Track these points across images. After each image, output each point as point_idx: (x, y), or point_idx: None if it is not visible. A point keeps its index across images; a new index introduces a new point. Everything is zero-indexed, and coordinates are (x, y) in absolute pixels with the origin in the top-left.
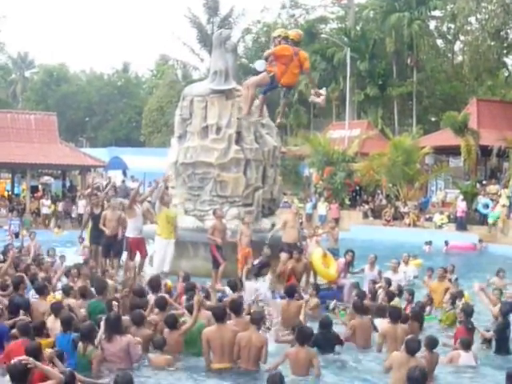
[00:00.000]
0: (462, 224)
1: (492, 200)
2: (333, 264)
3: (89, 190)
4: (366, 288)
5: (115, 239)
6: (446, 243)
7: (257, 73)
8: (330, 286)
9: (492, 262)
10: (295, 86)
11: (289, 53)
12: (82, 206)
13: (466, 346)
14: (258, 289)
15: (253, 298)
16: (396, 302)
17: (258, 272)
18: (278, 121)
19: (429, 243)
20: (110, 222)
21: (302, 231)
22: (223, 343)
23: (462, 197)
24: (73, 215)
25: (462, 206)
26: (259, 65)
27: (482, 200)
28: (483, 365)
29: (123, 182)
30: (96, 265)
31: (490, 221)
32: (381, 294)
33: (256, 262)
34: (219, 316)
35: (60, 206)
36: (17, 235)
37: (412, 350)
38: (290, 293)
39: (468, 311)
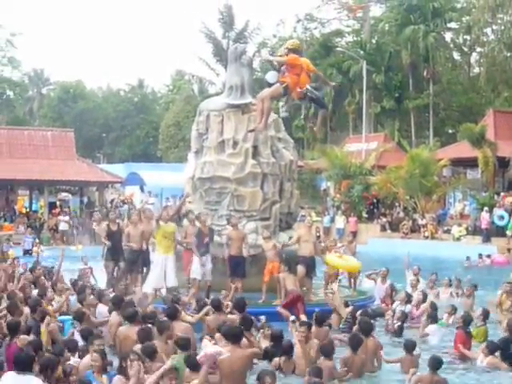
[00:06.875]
0: (487, 236)
1: (506, 211)
2: (351, 259)
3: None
4: (378, 301)
5: (138, 255)
6: (489, 256)
7: (269, 84)
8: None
9: None
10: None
11: (299, 62)
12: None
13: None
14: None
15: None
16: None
17: None
18: (315, 129)
19: (468, 258)
20: (134, 238)
21: (320, 244)
22: None
23: (486, 208)
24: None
25: (486, 217)
26: (271, 76)
27: (497, 212)
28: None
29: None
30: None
31: (509, 233)
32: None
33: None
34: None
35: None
36: (26, 252)
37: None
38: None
39: (467, 319)
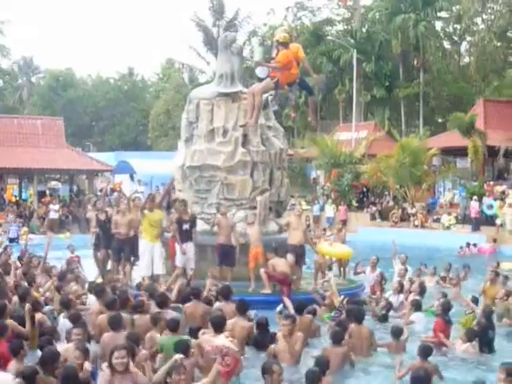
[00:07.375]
0: (476, 225)
1: (495, 200)
2: (342, 246)
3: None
4: (367, 289)
5: (125, 243)
6: (475, 245)
7: (260, 79)
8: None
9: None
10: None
11: (290, 58)
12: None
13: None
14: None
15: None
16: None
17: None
18: (310, 119)
19: (461, 247)
20: (121, 227)
21: (310, 233)
22: None
23: (475, 197)
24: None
25: (475, 206)
26: (261, 71)
27: (486, 201)
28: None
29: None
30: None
31: (498, 221)
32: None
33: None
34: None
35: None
36: (11, 240)
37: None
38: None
39: (446, 306)
